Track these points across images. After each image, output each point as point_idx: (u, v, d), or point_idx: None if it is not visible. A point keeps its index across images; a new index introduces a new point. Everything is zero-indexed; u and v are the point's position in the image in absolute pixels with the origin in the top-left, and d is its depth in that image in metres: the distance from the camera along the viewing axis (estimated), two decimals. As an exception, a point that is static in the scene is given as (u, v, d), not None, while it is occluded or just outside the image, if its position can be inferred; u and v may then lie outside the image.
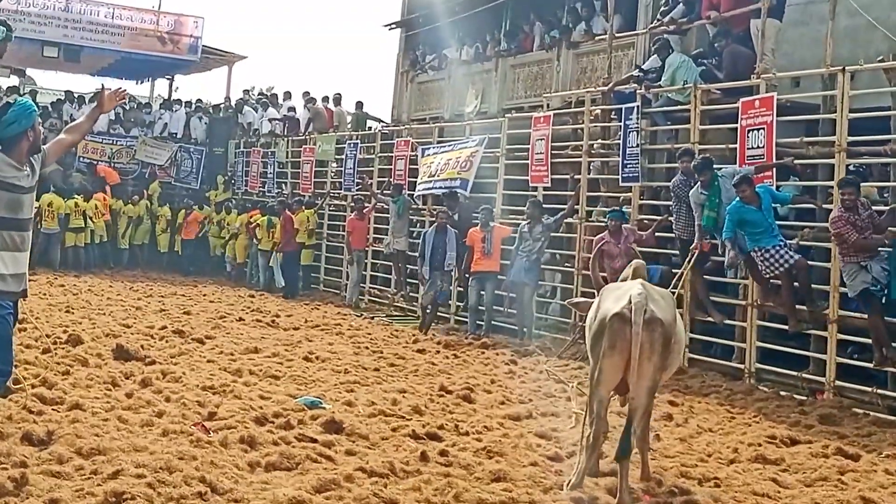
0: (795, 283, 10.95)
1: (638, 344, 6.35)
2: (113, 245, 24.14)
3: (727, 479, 7.26)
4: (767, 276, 11.04)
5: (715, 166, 11.64)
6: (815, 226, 11.26)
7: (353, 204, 20.06)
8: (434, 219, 16.57)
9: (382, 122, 24.13)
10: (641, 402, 6.56)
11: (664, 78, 13.66)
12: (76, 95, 28.81)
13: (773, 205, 11.11)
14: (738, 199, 11.03)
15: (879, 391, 10.20)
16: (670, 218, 12.65)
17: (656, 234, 13.03)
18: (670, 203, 12.65)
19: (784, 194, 11.53)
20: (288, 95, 28.03)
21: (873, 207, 10.42)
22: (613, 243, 12.72)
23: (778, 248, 10.84)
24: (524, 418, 9.03)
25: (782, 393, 10.86)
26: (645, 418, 6.75)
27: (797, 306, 10.98)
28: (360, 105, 24.81)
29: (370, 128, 23.36)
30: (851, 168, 11.18)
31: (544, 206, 14.77)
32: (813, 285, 11.05)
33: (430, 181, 17.78)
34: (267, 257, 21.72)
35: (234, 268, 23.96)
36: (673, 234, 12.69)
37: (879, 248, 10.13)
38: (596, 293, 7.73)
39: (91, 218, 23.03)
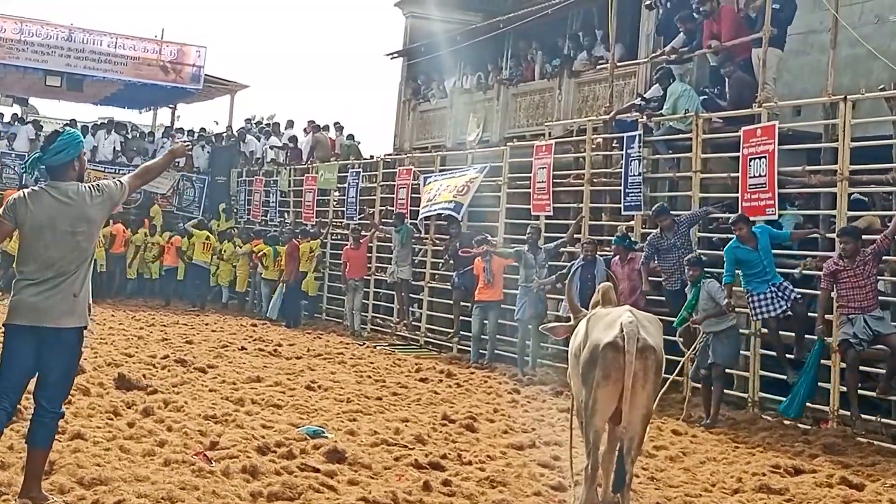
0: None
1: (631, 373, 6.29)
2: (121, 275, 24.01)
3: (732, 510, 7.23)
4: (754, 320, 11.08)
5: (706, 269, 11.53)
6: (817, 255, 11.23)
7: (350, 233, 20.04)
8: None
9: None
10: (636, 431, 6.51)
11: (666, 106, 13.70)
12: (79, 125, 28.92)
13: (771, 246, 11.02)
14: (734, 237, 11.06)
15: (883, 420, 10.17)
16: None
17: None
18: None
19: (784, 232, 11.50)
20: (290, 124, 28.14)
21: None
22: (618, 266, 12.83)
23: (764, 294, 10.83)
24: (527, 447, 9.00)
25: (786, 422, 10.81)
26: (639, 447, 6.70)
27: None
28: (350, 136, 25.18)
29: (372, 156, 23.43)
30: (855, 197, 11.16)
31: (547, 234, 14.77)
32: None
33: (428, 205, 17.87)
34: (271, 287, 21.71)
35: (230, 297, 23.98)
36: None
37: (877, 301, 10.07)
38: (572, 317, 7.67)
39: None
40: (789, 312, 10.92)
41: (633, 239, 13.37)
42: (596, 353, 6.50)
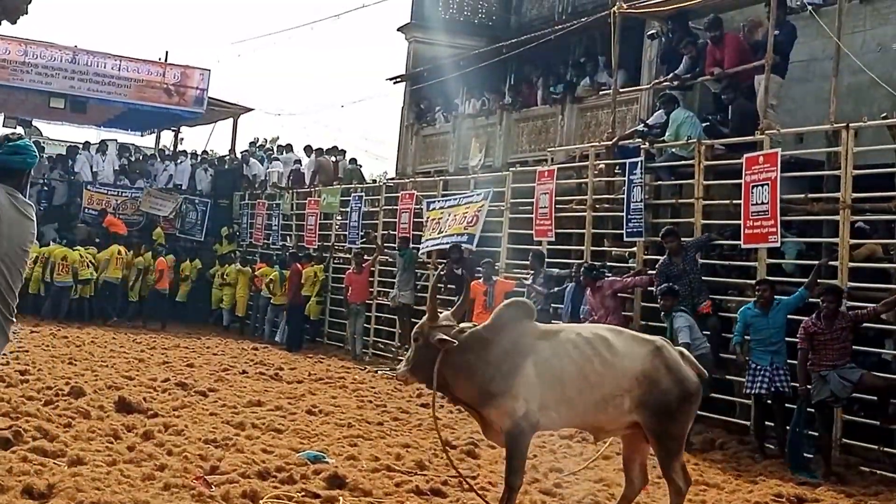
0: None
1: None
2: (122, 298, 23.87)
3: (734, 539, 7.19)
4: (745, 391, 11.10)
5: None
6: (819, 282, 11.20)
7: (353, 257, 20.04)
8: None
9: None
10: None
11: (668, 133, 13.72)
12: (78, 151, 28.95)
13: (784, 320, 10.83)
14: (752, 301, 11.05)
15: (886, 449, 10.13)
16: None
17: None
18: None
19: (800, 293, 10.99)
20: (289, 148, 28.16)
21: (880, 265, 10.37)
22: (590, 296, 13.01)
23: (760, 367, 10.78)
24: (529, 474, 8.95)
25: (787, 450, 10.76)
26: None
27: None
28: (353, 160, 25.26)
29: (374, 180, 23.49)
30: (858, 226, 11.14)
31: (549, 260, 14.77)
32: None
33: (438, 237, 17.82)
34: (277, 311, 21.71)
35: (230, 320, 23.96)
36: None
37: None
38: None
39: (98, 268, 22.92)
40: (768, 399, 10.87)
41: (599, 268, 13.39)
42: None
